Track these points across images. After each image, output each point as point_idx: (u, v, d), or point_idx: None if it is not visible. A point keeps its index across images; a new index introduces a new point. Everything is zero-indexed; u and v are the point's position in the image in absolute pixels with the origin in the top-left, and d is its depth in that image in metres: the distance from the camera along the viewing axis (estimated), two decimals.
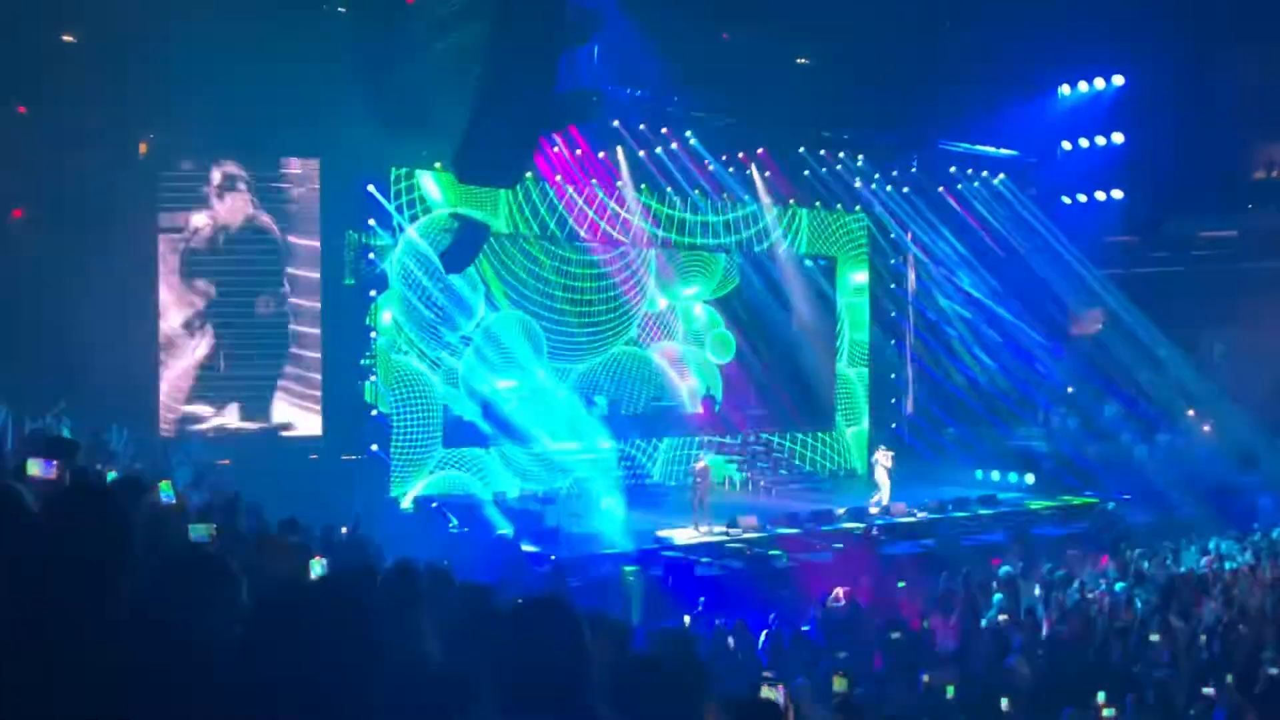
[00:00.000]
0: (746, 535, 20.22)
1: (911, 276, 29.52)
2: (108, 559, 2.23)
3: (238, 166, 21.43)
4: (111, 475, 7.19)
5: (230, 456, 19.50)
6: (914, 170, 28.08)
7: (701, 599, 16.11)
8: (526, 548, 18.83)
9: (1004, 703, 10.38)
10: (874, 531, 20.85)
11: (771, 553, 19.59)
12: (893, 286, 29.69)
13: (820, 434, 28.30)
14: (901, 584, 16.60)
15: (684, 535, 20.15)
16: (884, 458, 23.19)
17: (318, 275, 21.62)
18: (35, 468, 4.90)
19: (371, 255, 21.64)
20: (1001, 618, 13.82)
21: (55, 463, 4.89)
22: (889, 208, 28.22)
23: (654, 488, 24.92)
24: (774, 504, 23.58)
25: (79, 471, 5.86)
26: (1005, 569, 17.08)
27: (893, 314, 29.51)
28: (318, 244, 21.68)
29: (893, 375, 29.43)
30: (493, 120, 15.37)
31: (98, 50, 19.00)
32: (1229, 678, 10.55)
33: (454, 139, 17.57)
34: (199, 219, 21.24)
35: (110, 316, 18.97)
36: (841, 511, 21.86)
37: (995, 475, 27.05)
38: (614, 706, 3.15)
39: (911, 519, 22.07)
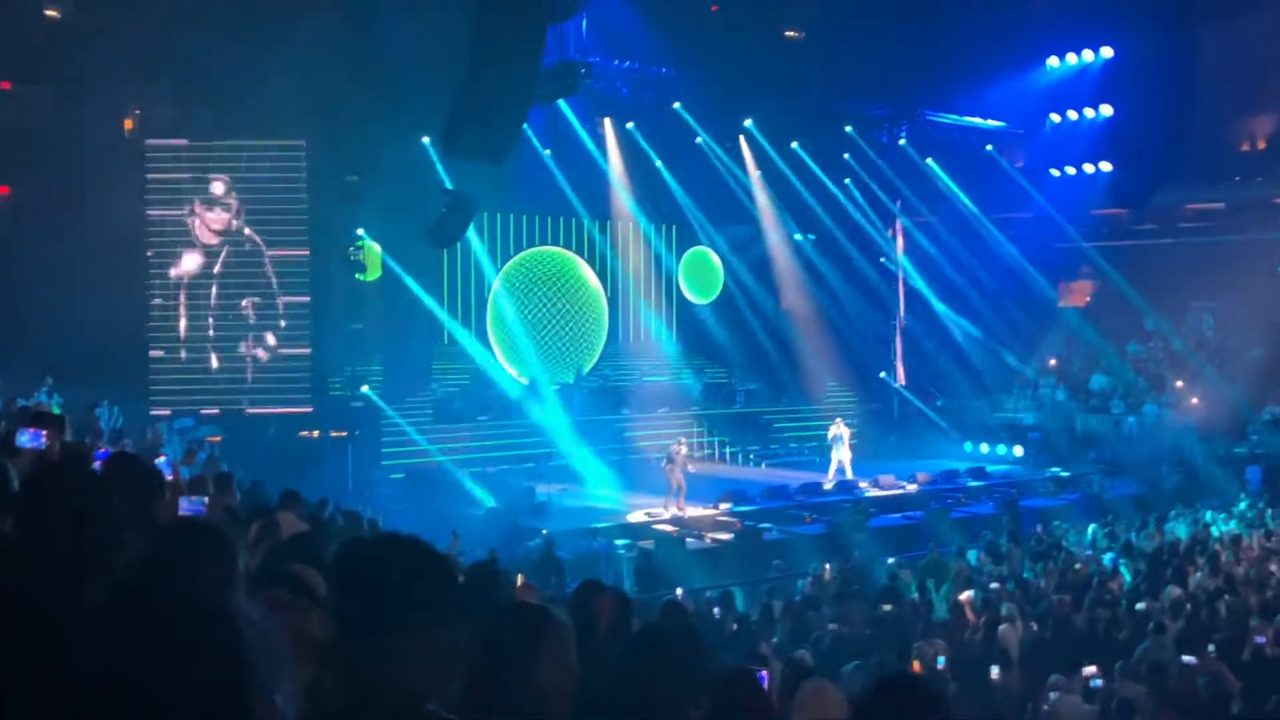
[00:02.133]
0: (737, 508, 20.31)
1: (900, 248, 29.49)
2: (92, 532, 2.21)
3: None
4: (100, 451, 7.13)
5: (220, 433, 19.50)
6: (902, 142, 28.02)
7: (692, 572, 16.16)
8: (519, 521, 18.77)
9: (993, 670, 10.42)
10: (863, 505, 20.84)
11: (761, 526, 19.64)
12: (881, 259, 29.65)
13: (811, 406, 28.33)
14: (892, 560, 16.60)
15: (661, 514, 20.02)
16: (836, 431, 23.00)
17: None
18: (25, 438, 4.85)
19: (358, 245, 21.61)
20: (993, 586, 13.85)
21: (44, 433, 4.84)
22: (877, 179, 28.22)
23: (645, 463, 24.94)
24: (762, 477, 23.62)
25: (68, 446, 5.83)
26: (993, 538, 17.16)
27: (881, 286, 29.50)
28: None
29: (882, 348, 29.43)
30: (481, 94, 15.25)
31: (82, 26, 18.85)
32: (1210, 647, 10.60)
33: (442, 113, 17.49)
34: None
35: (100, 294, 18.89)
36: (829, 485, 21.88)
37: (984, 447, 27.20)
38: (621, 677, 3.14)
39: (899, 491, 22.13)
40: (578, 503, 20.61)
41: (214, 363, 21.50)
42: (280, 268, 21.61)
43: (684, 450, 20.62)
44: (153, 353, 21.29)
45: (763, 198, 27.43)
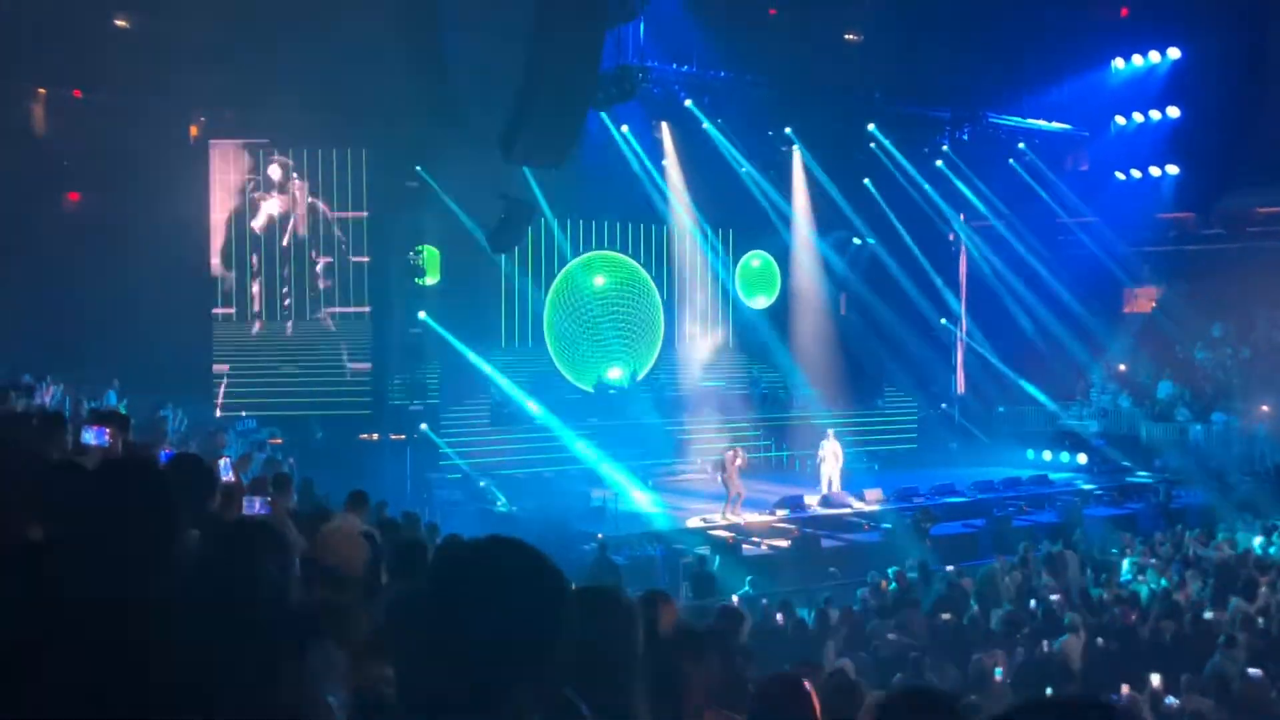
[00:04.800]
0: (794, 515, 20.22)
1: (962, 253, 29.15)
2: (156, 523, 2.26)
3: (286, 158, 22.06)
4: (165, 452, 7.26)
5: (282, 434, 19.78)
6: (965, 144, 27.71)
7: (749, 578, 16.10)
8: (573, 526, 18.85)
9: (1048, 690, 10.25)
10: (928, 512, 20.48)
11: (819, 533, 19.50)
12: (943, 263, 29.32)
13: (868, 413, 28.10)
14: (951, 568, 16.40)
15: (718, 520, 19.82)
16: (830, 447, 22.08)
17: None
18: (89, 436, 4.93)
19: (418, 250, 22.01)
20: (1054, 598, 13.64)
21: (108, 430, 4.91)
22: (938, 184, 28.04)
23: (701, 468, 24.81)
24: (815, 484, 22.98)
25: (131, 445, 5.92)
26: (1055, 548, 16.90)
27: (943, 291, 29.17)
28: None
29: (942, 354, 29.12)
30: (539, 99, 15.35)
31: (150, 34, 19.23)
32: None
33: (502, 118, 17.59)
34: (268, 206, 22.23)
35: (166, 298, 19.27)
36: (875, 499, 21.47)
37: (1047, 455, 26.85)
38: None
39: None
40: (633, 508, 20.62)
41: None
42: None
43: (739, 459, 20.42)
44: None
45: (809, 202, 27.30)
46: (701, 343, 27.89)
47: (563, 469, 22.85)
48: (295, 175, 22.10)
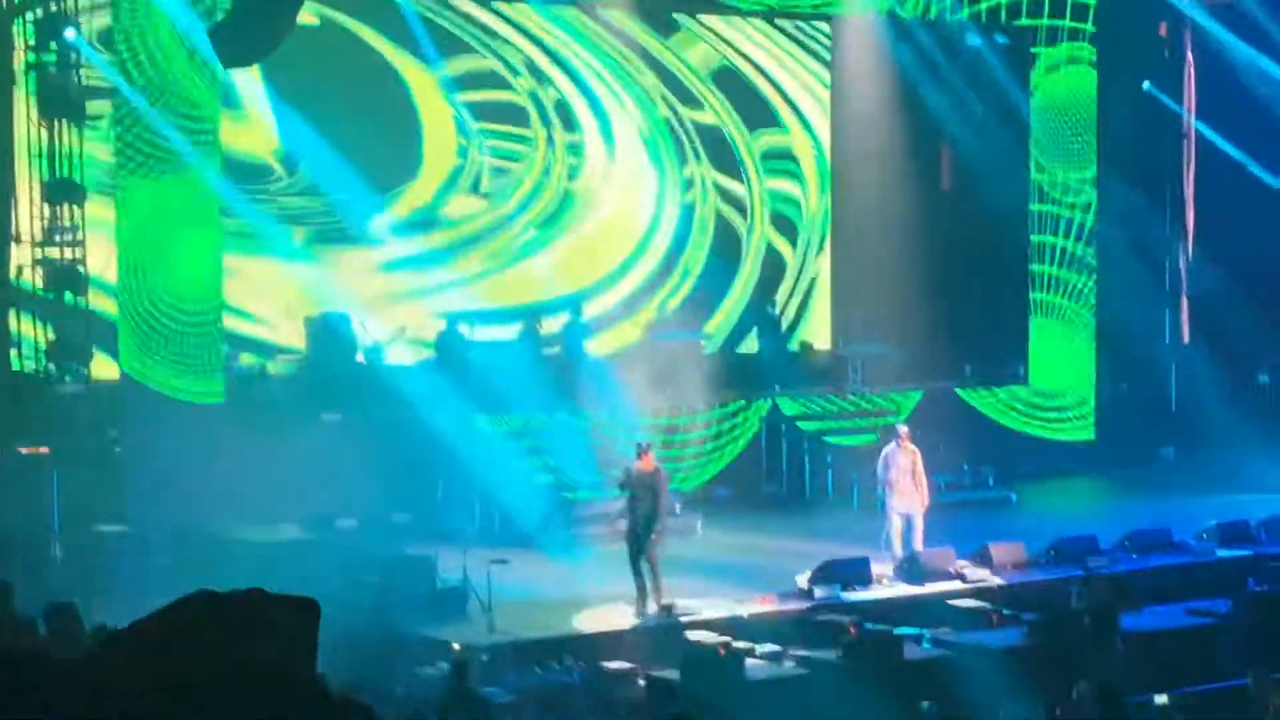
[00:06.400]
0: (844, 596, 20.77)
1: (1190, 93, 29.27)
2: None
3: None
4: None
5: None
6: None
7: None
8: (402, 627, 19.52)
9: None
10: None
11: (901, 630, 20.08)
12: (1153, 103, 29.53)
13: (992, 392, 28.18)
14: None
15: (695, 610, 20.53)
16: (904, 460, 22.85)
17: None
18: None
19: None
20: None
21: None
22: None
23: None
24: (880, 536, 23.58)
25: None
26: None
27: (1149, 161, 29.30)
28: None
29: (1143, 272, 29.32)
30: None
31: None
32: None
33: None
34: None
35: None
36: (1010, 562, 22.03)
37: None
38: None
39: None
40: (521, 589, 21.07)
41: None
42: None
43: (650, 466, 20.83)
44: None
45: None
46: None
47: (376, 514, 23.59)
48: None
